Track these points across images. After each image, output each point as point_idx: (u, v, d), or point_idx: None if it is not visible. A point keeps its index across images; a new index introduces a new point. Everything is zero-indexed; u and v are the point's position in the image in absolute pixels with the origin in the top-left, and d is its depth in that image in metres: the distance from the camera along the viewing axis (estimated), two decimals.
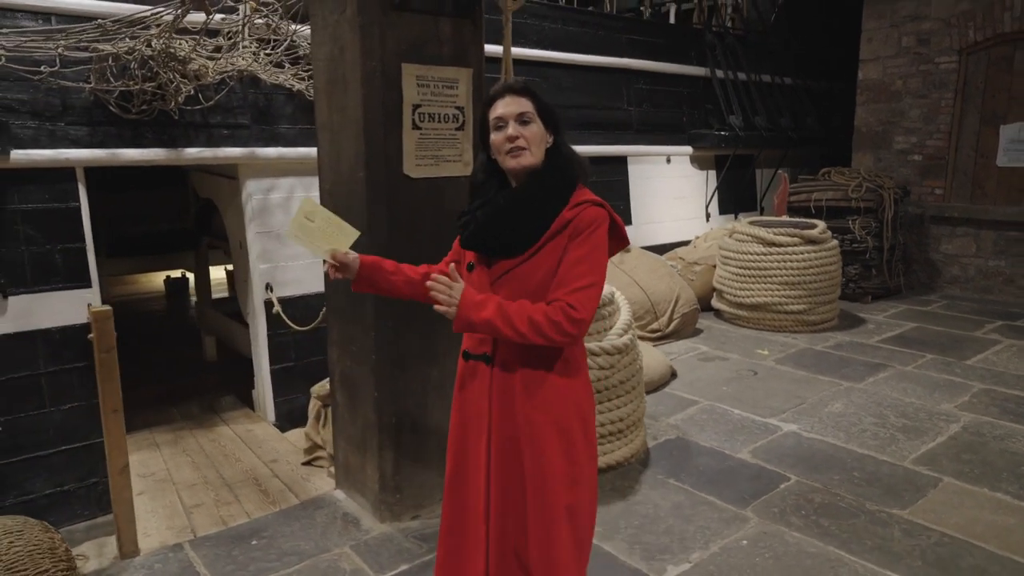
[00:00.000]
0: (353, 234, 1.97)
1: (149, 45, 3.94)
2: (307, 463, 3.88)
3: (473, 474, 1.94)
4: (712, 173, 8.04)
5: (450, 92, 2.91)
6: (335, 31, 2.84)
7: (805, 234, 5.90)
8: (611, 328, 3.57)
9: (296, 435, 4.60)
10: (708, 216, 8.01)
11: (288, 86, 4.65)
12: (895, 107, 7.55)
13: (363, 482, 3.15)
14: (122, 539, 2.83)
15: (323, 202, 3.18)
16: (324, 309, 3.69)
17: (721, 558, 2.79)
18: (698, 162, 7.88)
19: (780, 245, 5.89)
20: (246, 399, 5.48)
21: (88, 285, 4.21)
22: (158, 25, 3.81)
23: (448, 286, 1.74)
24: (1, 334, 3.93)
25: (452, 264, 1.83)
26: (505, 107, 1.82)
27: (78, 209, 4.17)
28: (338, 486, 3.41)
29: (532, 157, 1.81)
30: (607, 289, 3.66)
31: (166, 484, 3.92)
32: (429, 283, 1.75)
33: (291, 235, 1.96)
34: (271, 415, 4.98)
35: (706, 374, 4.95)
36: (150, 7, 3.91)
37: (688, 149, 7.69)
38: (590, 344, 3.39)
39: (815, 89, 8.90)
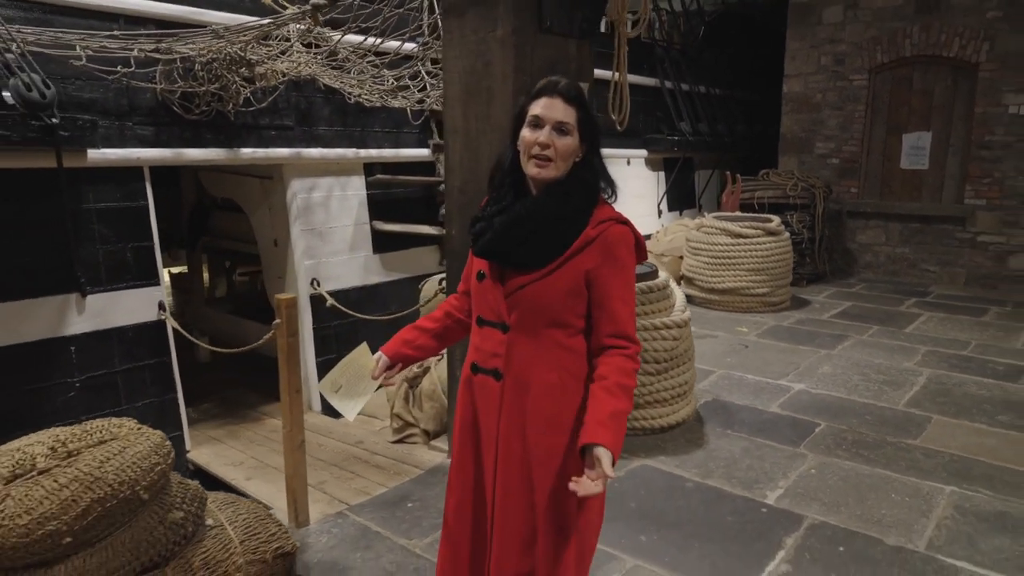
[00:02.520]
0: (364, 354, 2.09)
1: (234, 49, 4.09)
2: (398, 441, 4.19)
3: (479, 490, 1.90)
4: (662, 174, 8.88)
5: None
6: (479, 47, 3.24)
7: (766, 226, 6.80)
8: (672, 307, 4.16)
9: (347, 421, 4.85)
10: (660, 213, 8.84)
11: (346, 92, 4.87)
12: (816, 117, 8.72)
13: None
14: (297, 509, 3.08)
15: (453, 202, 3.52)
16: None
17: (802, 483, 3.45)
18: (651, 164, 8.70)
19: (746, 236, 6.75)
20: (272, 394, 5.61)
21: (157, 283, 4.29)
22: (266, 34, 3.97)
23: (594, 480, 1.58)
24: (81, 333, 3.96)
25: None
26: (548, 109, 1.71)
27: (147, 208, 4.24)
28: None
29: (555, 171, 1.72)
30: (662, 276, 4.25)
31: (266, 470, 4.09)
32: (580, 492, 1.57)
33: (336, 381, 2.10)
34: (316, 405, 5.18)
35: (706, 349, 5.67)
36: (256, 18, 4.07)
37: (644, 152, 8.48)
38: (662, 319, 3.97)
39: (741, 99, 10.01)
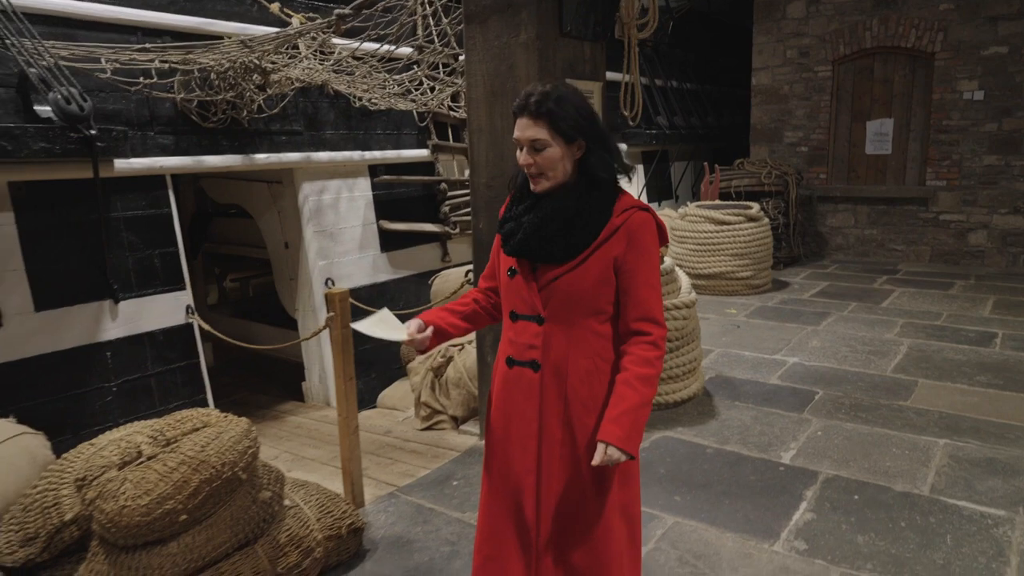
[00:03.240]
0: (399, 331, 2.01)
1: (251, 58, 4.23)
2: (427, 428, 4.38)
3: (521, 479, 1.93)
4: (640, 167, 9.20)
5: (590, 101, 3.64)
6: (503, 51, 3.46)
7: (747, 213, 7.16)
8: (679, 289, 4.45)
9: (369, 412, 5.04)
10: None
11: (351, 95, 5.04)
12: (784, 107, 9.13)
13: None
14: (354, 491, 3.26)
15: (479, 197, 3.73)
16: None
17: (811, 444, 3.76)
18: (631, 158, 9.00)
19: (729, 223, 7.10)
20: (283, 394, 5.76)
21: (183, 287, 4.41)
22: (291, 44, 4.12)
23: (612, 459, 1.75)
24: (116, 338, 4.07)
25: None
26: (520, 130, 1.79)
27: (170, 215, 4.36)
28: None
29: (549, 181, 1.81)
30: (668, 262, 4.53)
31: (303, 462, 4.25)
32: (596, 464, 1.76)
33: (366, 329, 2.01)
34: (335, 401, 5.32)
35: (701, 331, 5.97)
36: (271, 28, 4.21)
37: (624, 147, 8.78)
38: (672, 300, 4.25)
39: (711, 93, 10.39)
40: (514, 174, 1.96)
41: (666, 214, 8.25)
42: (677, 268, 4.64)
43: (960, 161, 8.09)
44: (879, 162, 8.66)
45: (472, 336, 4.61)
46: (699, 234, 7.18)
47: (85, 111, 3.50)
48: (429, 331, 1.99)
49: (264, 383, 5.91)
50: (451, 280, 5.03)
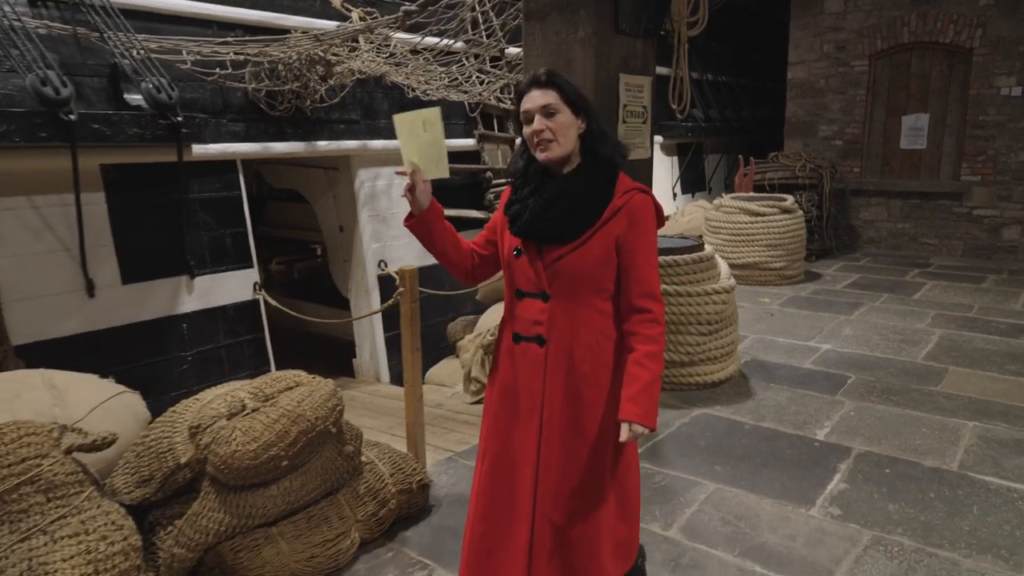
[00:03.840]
0: (444, 171, 1.93)
1: (318, 50, 4.50)
2: (477, 401, 4.65)
3: (521, 452, 2.00)
4: (676, 159, 9.37)
5: (640, 95, 3.86)
6: (561, 47, 3.68)
7: (781, 205, 7.31)
8: (719, 275, 4.65)
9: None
10: (675, 196, 9.33)
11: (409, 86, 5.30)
12: (819, 101, 9.23)
13: None
14: (417, 454, 3.54)
15: None
16: None
17: (844, 423, 3.96)
18: (666, 149, 9.18)
19: (763, 215, 7.26)
20: (330, 370, 6.06)
21: (251, 265, 4.72)
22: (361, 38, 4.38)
23: (637, 434, 1.84)
24: (191, 311, 4.39)
25: None
26: (531, 101, 1.86)
27: (240, 197, 4.66)
28: None
29: (560, 148, 1.87)
30: (708, 249, 4.73)
31: (363, 430, 4.53)
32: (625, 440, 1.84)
33: (401, 120, 1.90)
34: (386, 376, 5.63)
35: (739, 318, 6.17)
36: (338, 22, 4.47)
37: (659, 139, 8.95)
38: (712, 285, 4.46)
39: (746, 86, 10.50)
40: (512, 160, 2.04)
41: (700, 205, 8.43)
42: (716, 255, 4.84)
43: (995, 157, 8.14)
44: (913, 157, 8.73)
45: None
46: (733, 225, 7.35)
47: (173, 100, 3.79)
48: (428, 190, 1.96)
49: (314, 360, 6.21)
50: None
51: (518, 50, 4.95)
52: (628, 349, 1.93)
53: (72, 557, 2.27)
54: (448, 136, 6.08)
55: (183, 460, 2.54)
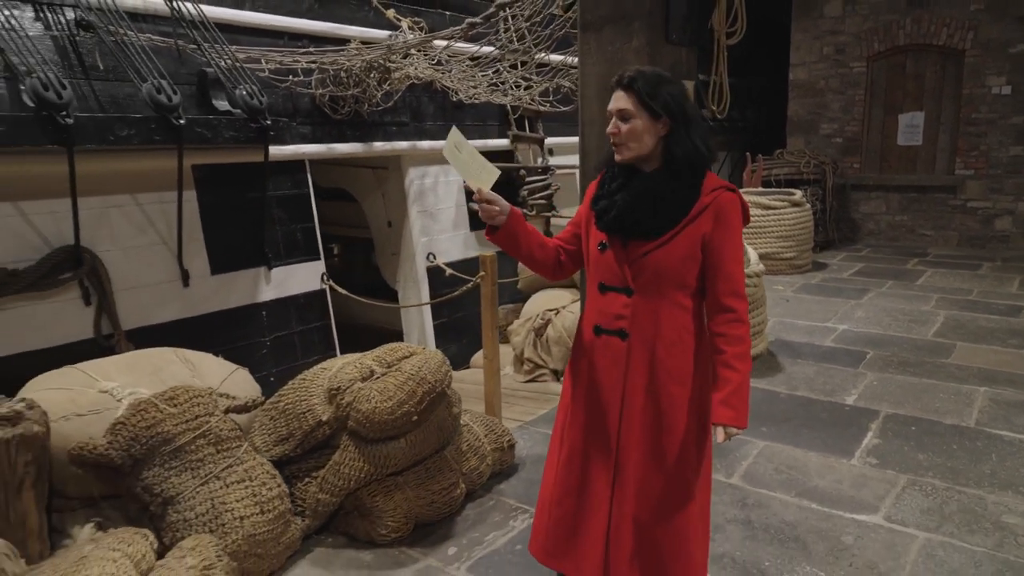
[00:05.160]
0: (494, 174, 2.02)
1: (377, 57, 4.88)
2: (530, 380, 5.06)
3: (598, 444, 2.04)
4: None
5: None
6: (615, 56, 4.09)
7: (791, 199, 7.78)
8: (749, 261, 5.10)
9: (463, 372, 5.73)
10: None
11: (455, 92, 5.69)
12: (820, 101, 9.72)
13: None
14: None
15: (588, 179, 4.38)
16: None
17: (869, 391, 4.41)
18: None
19: (774, 208, 7.72)
20: None
21: (319, 258, 5.10)
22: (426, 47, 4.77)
23: (732, 435, 1.90)
24: (269, 300, 4.76)
25: None
26: (612, 102, 1.93)
27: (309, 195, 5.04)
28: None
29: (631, 152, 1.91)
30: None
31: None
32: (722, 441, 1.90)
33: (446, 154, 2.02)
34: None
35: None
36: (388, 31, 4.84)
37: None
38: (745, 270, 4.90)
39: (749, 85, 10.98)
40: (605, 152, 2.08)
41: None
42: (745, 243, 5.29)
43: (988, 152, 8.67)
44: (910, 152, 9.24)
45: (567, 301, 5.29)
46: None
47: (263, 105, 4.17)
48: (505, 209, 2.03)
49: (363, 349, 6.57)
50: None
51: (561, 57, 5.38)
52: (715, 350, 1.95)
53: (243, 499, 2.67)
54: (483, 136, 6.50)
55: (324, 418, 2.93)
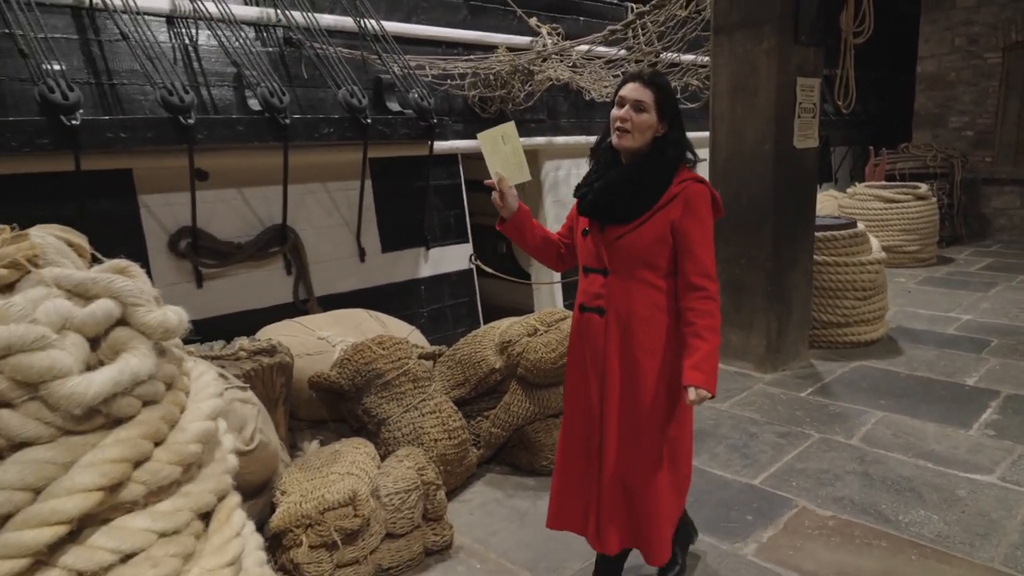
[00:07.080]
0: (525, 175, 2.19)
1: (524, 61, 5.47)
2: None
3: (587, 411, 2.24)
4: None
5: (811, 93, 4.61)
6: (747, 56, 4.49)
7: (915, 192, 7.78)
8: (871, 249, 5.33)
9: None
10: None
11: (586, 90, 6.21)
12: (949, 94, 9.53)
13: (746, 351, 4.81)
14: None
15: (718, 170, 4.80)
16: None
17: (990, 374, 4.57)
18: None
19: (897, 201, 7.76)
20: None
21: (467, 241, 5.75)
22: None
23: (702, 397, 2.02)
24: (427, 276, 5.46)
25: None
26: (629, 91, 2.07)
27: (460, 185, 5.70)
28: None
29: (633, 141, 2.07)
30: (860, 227, 5.40)
31: None
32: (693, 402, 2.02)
33: (484, 137, 2.13)
34: None
35: None
36: (529, 37, 5.41)
37: None
38: (865, 257, 5.13)
39: (872, 78, 10.85)
40: (599, 139, 2.26)
41: (831, 195, 8.95)
42: (868, 233, 5.51)
43: None
44: None
45: None
46: (868, 211, 7.87)
47: (431, 106, 4.85)
48: (515, 195, 2.27)
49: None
50: None
51: (692, 56, 5.79)
52: (686, 323, 2.11)
53: (435, 426, 3.30)
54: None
55: (497, 366, 3.53)
